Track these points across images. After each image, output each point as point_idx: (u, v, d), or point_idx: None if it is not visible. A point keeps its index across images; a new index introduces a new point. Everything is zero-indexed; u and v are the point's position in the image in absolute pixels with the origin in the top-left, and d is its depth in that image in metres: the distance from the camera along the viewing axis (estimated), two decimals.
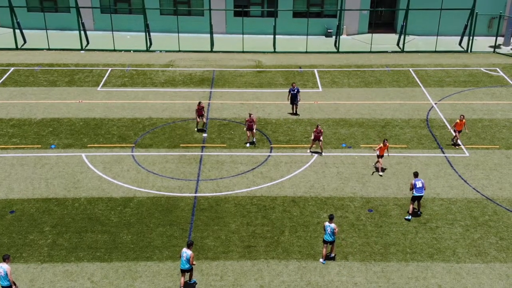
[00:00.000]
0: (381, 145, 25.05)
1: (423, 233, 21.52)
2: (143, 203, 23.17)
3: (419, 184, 21.98)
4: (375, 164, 25.73)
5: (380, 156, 25.22)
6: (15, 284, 17.71)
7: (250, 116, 27.28)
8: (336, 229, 19.65)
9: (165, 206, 22.98)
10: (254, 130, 27.57)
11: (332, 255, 20.15)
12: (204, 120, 29.11)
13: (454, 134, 27.72)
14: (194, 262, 18.66)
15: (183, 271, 18.57)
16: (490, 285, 19.06)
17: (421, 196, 22.15)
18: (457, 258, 20.26)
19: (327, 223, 19.64)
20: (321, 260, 20.02)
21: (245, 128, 27.74)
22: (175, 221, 22.09)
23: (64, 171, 25.36)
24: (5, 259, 17.69)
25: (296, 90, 30.28)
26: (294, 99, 30.49)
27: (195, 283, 19.05)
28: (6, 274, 17.42)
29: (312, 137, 26.43)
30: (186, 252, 18.35)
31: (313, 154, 26.64)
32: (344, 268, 19.75)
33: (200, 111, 28.74)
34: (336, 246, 20.31)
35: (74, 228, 21.63)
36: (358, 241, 21.11)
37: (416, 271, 19.64)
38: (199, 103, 28.94)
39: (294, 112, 31.02)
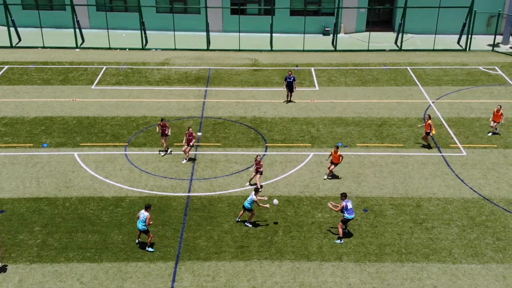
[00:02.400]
0: (332, 152, 24.09)
1: (419, 233, 21.20)
2: (135, 203, 22.84)
3: (350, 205, 20.34)
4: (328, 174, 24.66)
5: (334, 164, 24.20)
6: None
7: (189, 129, 25.26)
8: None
9: (157, 206, 22.64)
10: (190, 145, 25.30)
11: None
12: (165, 143, 26.09)
13: (492, 125, 28.05)
14: (150, 222, 19.74)
15: (140, 231, 19.97)
16: (486, 286, 18.73)
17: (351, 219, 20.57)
18: (453, 259, 19.93)
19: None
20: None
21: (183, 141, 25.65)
22: (167, 221, 21.76)
23: (55, 170, 25.03)
24: None
25: (292, 78, 31.17)
26: (290, 86, 31.25)
27: (152, 251, 19.99)
28: None
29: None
30: (143, 214, 19.58)
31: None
32: (338, 268, 19.43)
33: (163, 129, 25.88)
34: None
35: (65, 228, 21.30)
36: (352, 241, 20.78)
37: (411, 272, 19.31)
38: (162, 120, 26.02)
39: (289, 99, 31.81)
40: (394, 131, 28.78)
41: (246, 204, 21.12)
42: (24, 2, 43.09)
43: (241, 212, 21.57)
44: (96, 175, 24.66)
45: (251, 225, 21.46)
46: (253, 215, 21.51)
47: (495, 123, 28.09)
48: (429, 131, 26.61)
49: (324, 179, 24.50)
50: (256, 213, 21.73)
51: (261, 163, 23.53)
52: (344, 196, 20.45)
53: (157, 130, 26.61)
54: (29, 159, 25.89)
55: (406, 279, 18.98)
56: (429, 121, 26.52)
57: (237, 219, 21.67)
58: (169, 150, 26.52)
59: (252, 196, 20.94)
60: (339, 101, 32.24)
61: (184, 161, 25.67)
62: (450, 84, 34.72)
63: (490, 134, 28.39)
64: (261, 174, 23.66)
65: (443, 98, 32.75)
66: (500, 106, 28.01)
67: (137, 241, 20.42)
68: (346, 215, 20.28)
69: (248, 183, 24.16)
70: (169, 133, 26.18)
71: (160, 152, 26.42)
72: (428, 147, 27.03)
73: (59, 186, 23.88)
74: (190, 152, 25.81)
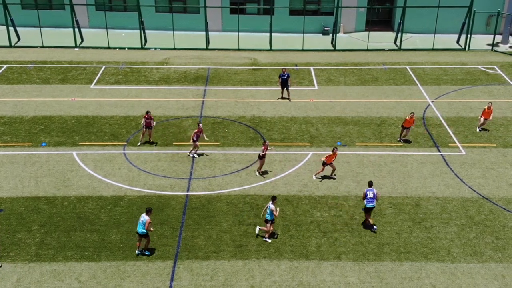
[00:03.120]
0: (331, 153, 23.99)
1: (418, 233, 21.16)
2: (133, 202, 22.80)
3: (370, 194, 20.70)
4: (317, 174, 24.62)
5: (325, 164, 24.04)
6: None
7: (199, 125, 25.70)
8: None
9: (156, 205, 22.61)
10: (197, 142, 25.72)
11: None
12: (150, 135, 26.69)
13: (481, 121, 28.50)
14: (151, 228, 19.43)
15: (139, 235, 19.51)
16: (485, 285, 18.70)
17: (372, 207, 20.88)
18: (452, 258, 19.90)
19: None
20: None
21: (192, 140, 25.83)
22: (165, 220, 21.72)
23: (54, 169, 25.00)
24: None
25: (286, 76, 31.36)
26: (284, 84, 31.41)
27: (148, 255, 19.74)
28: None
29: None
30: (144, 217, 19.26)
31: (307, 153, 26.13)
32: (337, 268, 19.39)
33: (148, 121, 26.30)
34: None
35: (63, 227, 21.27)
36: (351, 240, 20.75)
37: (410, 271, 19.28)
38: (147, 112, 26.37)
39: (286, 96, 32.01)
40: (393, 131, 28.75)
41: (268, 216, 20.34)
42: (23, 1, 43.02)
43: (268, 228, 20.45)
44: (94, 174, 24.63)
45: (269, 240, 20.68)
46: (272, 226, 20.66)
47: (485, 120, 28.40)
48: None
49: (314, 179, 24.35)
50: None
51: (266, 150, 24.17)
52: (369, 184, 21.02)
53: (142, 123, 26.65)
54: (27, 158, 25.86)
55: (405, 278, 18.95)
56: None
57: (265, 238, 20.66)
58: (154, 143, 27.02)
59: (270, 205, 20.28)
60: (338, 101, 32.21)
61: (195, 155, 26.01)
62: (449, 84, 34.69)
63: (478, 130, 28.60)
64: (262, 158, 24.29)
65: (442, 98, 32.72)
66: (491, 104, 28.51)
67: (137, 251, 19.78)
68: (365, 203, 20.82)
69: (257, 173, 24.76)
70: (154, 124, 26.60)
71: (140, 144, 26.92)
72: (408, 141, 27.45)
73: (58, 185, 23.84)
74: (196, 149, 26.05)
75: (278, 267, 19.43)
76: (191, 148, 26.15)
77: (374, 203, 20.80)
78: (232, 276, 19.01)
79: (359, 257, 19.89)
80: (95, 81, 34.57)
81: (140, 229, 19.37)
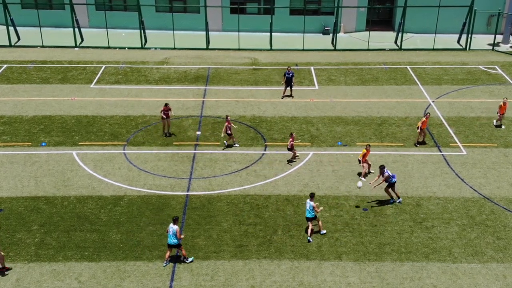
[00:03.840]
0: (364, 150, 24.04)
1: (419, 233, 21.09)
2: (133, 202, 22.73)
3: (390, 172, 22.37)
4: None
5: (364, 162, 24.18)
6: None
7: (227, 118, 26.44)
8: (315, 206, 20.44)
9: (156, 204, 22.55)
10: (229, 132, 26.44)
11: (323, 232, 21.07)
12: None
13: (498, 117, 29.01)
14: (181, 236, 19.11)
15: (170, 246, 19.12)
16: (486, 285, 18.62)
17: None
18: (453, 258, 19.83)
19: (308, 201, 20.44)
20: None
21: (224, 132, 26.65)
22: (166, 220, 21.63)
23: (54, 169, 24.93)
24: None
25: (291, 74, 31.70)
26: (289, 82, 31.80)
27: (192, 261, 19.38)
28: None
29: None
30: (172, 227, 18.88)
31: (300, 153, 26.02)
32: (338, 268, 19.32)
33: (166, 113, 27.33)
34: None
35: (63, 227, 21.20)
36: (352, 240, 20.68)
37: (411, 271, 19.20)
38: (166, 104, 27.42)
39: (289, 94, 32.43)
40: (394, 130, 28.68)
41: (308, 214, 20.39)
42: (23, 1, 42.96)
43: (309, 227, 20.49)
44: (94, 174, 24.56)
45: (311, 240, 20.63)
46: (318, 221, 20.88)
47: (501, 116, 28.80)
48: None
49: (364, 180, 24.24)
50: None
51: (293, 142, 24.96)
52: (382, 167, 22.20)
53: (161, 115, 27.47)
54: (27, 158, 25.79)
55: (406, 278, 18.88)
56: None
57: (308, 239, 20.53)
58: (171, 131, 28.00)
59: (310, 202, 20.30)
60: (339, 100, 32.14)
61: (237, 144, 27.05)
62: (450, 83, 34.62)
63: (494, 123, 29.21)
64: (291, 150, 25.17)
65: (443, 97, 32.65)
66: (506, 99, 28.89)
67: (164, 263, 19.22)
68: (393, 180, 22.45)
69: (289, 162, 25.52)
70: (172, 115, 27.74)
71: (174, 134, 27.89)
72: (423, 143, 27.31)
73: (58, 185, 23.77)
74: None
75: (278, 267, 19.35)
76: (229, 139, 26.75)
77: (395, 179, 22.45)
78: (233, 276, 18.94)
79: (360, 257, 19.81)
80: (95, 80, 34.50)
81: (172, 240, 18.91)
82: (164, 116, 27.41)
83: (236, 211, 22.28)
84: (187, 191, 23.51)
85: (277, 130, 28.56)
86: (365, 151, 24.04)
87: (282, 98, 32.07)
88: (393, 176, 22.44)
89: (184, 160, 25.76)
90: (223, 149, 26.52)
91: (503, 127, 29.02)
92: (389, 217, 21.99)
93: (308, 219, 20.50)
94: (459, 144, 27.45)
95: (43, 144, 26.99)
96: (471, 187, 23.99)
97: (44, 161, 25.49)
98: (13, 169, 24.87)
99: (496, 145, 27.38)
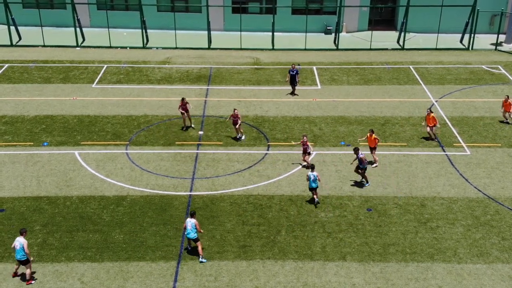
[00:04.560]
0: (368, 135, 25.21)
1: (423, 233, 20.96)
2: (136, 202, 22.61)
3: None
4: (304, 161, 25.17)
5: (373, 149, 25.19)
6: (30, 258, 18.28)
7: (234, 111, 26.99)
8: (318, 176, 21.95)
9: (159, 205, 22.42)
10: (238, 126, 27.14)
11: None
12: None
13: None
14: (201, 230, 19.55)
15: (190, 240, 19.50)
16: (492, 286, 18.49)
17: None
18: (458, 259, 19.70)
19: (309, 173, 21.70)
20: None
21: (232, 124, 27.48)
22: (169, 220, 21.52)
23: (56, 169, 24.80)
24: (22, 233, 18.19)
25: (295, 72, 31.58)
26: (293, 80, 31.71)
27: (201, 262, 19.41)
28: (23, 247, 17.94)
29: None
30: (191, 221, 19.16)
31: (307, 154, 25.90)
32: (342, 268, 19.19)
33: (185, 107, 27.86)
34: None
35: (65, 227, 21.08)
36: (356, 241, 20.55)
37: (416, 272, 19.07)
38: (183, 99, 27.93)
39: (292, 92, 32.42)
40: (397, 130, 28.55)
41: (313, 184, 21.97)
42: (25, 0, 42.86)
43: (316, 196, 22.33)
44: (97, 174, 24.44)
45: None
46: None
47: (506, 113, 28.97)
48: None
49: (374, 167, 25.13)
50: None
51: (307, 143, 24.58)
52: (357, 149, 23.16)
53: (180, 110, 27.98)
54: (29, 157, 25.67)
55: (411, 279, 18.75)
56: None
57: (316, 202, 22.44)
58: (192, 125, 28.48)
59: (314, 173, 21.91)
60: (342, 100, 32.01)
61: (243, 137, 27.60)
62: (453, 83, 34.49)
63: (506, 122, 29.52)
64: (309, 154, 24.77)
65: (446, 97, 32.52)
66: (508, 96, 28.96)
67: (189, 247, 19.81)
68: (365, 165, 23.34)
69: (302, 166, 25.18)
70: (190, 108, 28.21)
71: (192, 127, 28.48)
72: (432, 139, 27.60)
73: (60, 185, 23.65)
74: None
75: (282, 267, 19.23)
76: (238, 131, 27.35)
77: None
78: (236, 276, 18.82)
79: (364, 258, 19.69)
80: (96, 80, 34.38)
81: (192, 234, 19.18)
82: (183, 111, 27.73)
83: (239, 211, 22.16)
84: (190, 191, 23.38)
85: (280, 130, 28.43)
86: (368, 136, 25.04)
87: (286, 95, 32.22)
88: (365, 160, 23.35)
89: (187, 160, 25.63)
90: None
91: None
92: (393, 217, 21.87)
93: (313, 189, 22.19)
94: (462, 144, 27.32)
95: (45, 144, 26.86)
96: (475, 187, 23.86)
97: (46, 161, 25.37)
98: (15, 169, 24.74)
99: (500, 145, 27.25)
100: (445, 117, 29.92)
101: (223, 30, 43.70)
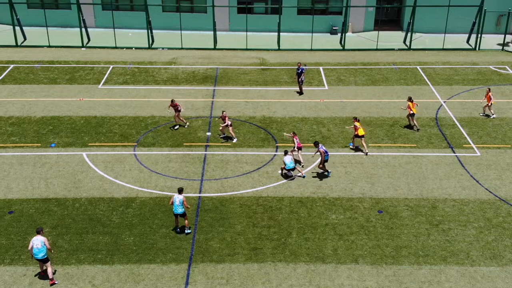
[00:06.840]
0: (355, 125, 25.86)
1: (436, 235, 20.80)
2: (145, 204, 22.46)
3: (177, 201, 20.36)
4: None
5: (357, 136, 25.83)
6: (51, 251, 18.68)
7: (222, 113, 27.18)
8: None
9: (168, 206, 22.25)
10: (225, 127, 27.16)
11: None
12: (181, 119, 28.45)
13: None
14: (188, 205, 20.41)
15: (176, 215, 20.43)
16: None
17: None
18: (471, 261, 19.54)
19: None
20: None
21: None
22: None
23: (64, 170, 24.66)
24: (39, 231, 18.22)
25: (300, 70, 31.86)
26: (298, 77, 32.29)
27: (190, 233, 20.56)
28: (44, 244, 18.01)
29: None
30: (179, 197, 20.05)
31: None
32: (355, 271, 19.04)
33: (176, 107, 28.03)
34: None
35: (75, 229, 20.94)
36: (368, 243, 20.39)
37: (429, 274, 18.92)
38: (172, 100, 28.15)
39: (300, 92, 32.70)
40: (406, 131, 28.38)
41: (290, 165, 23.73)
42: (30, 1, 42.72)
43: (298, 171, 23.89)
44: (105, 176, 24.30)
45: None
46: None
47: (487, 105, 29.48)
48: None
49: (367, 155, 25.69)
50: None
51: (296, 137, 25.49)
52: (317, 143, 24.07)
53: (169, 110, 28.48)
54: (37, 159, 25.52)
55: (424, 282, 18.59)
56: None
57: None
58: (186, 124, 28.58)
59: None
60: (349, 101, 31.85)
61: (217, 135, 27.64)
62: (461, 84, 34.31)
63: (481, 114, 29.99)
64: (299, 149, 25.38)
65: (454, 98, 32.34)
66: (489, 89, 29.50)
67: (177, 229, 20.71)
68: (327, 157, 24.09)
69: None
70: (182, 109, 28.41)
71: (186, 124, 28.60)
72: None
73: (68, 186, 23.51)
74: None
75: (294, 270, 19.08)
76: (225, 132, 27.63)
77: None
78: (248, 279, 18.67)
79: (376, 261, 19.53)
80: (103, 81, 34.24)
81: (179, 210, 20.15)
82: (175, 112, 28.15)
83: (249, 213, 22.01)
84: (199, 193, 23.24)
85: (288, 131, 28.25)
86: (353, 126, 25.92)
87: (299, 95, 32.42)
88: (326, 152, 23.93)
89: (195, 161, 25.48)
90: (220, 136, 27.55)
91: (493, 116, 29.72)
92: (404, 219, 21.71)
93: (291, 170, 23.92)
94: (472, 145, 27.15)
95: (53, 145, 26.73)
96: (486, 188, 23.70)
97: (54, 162, 25.23)
98: (23, 170, 24.61)
99: (510, 146, 27.07)
100: (454, 118, 29.75)
101: (228, 30, 43.54)
